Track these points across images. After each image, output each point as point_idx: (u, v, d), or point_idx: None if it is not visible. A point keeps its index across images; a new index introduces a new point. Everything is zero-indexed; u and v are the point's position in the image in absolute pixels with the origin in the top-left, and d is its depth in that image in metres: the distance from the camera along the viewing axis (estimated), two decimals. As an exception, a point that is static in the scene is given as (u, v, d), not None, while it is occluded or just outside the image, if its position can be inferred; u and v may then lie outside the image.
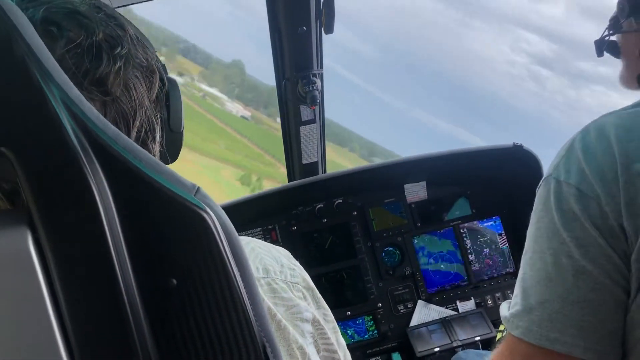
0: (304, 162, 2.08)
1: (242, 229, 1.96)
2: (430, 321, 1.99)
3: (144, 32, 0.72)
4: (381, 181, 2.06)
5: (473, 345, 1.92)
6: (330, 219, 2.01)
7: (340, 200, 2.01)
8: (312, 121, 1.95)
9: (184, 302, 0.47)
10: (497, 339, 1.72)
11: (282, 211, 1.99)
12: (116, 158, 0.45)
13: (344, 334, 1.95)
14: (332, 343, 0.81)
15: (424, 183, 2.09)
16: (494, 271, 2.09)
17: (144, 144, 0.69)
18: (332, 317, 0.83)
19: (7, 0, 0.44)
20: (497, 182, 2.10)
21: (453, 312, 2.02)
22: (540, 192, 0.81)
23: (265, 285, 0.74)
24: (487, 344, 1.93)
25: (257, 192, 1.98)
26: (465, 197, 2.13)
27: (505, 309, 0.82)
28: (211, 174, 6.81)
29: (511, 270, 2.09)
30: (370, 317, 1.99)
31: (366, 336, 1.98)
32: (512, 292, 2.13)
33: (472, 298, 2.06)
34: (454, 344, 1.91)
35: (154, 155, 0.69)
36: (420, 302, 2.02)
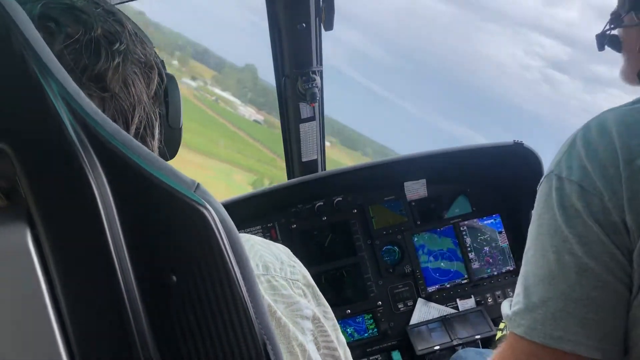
0: (304, 159, 2.08)
1: (241, 226, 1.96)
2: (430, 319, 1.99)
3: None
4: (381, 179, 2.06)
5: (473, 343, 1.92)
6: (330, 217, 2.01)
7: (340, 198, 2.00)
8: (312, 119, 1.95)
9: (184, 298, 0.46)
10: (497, 337, 1.72)
11: (282, 209, 1.99)
12: (115, 154, 0.45)
13: (344, 333, 1.95)
14: (332, 340, 0.81)
15: (424, 181, 2.09)
16: (494, 269, 2.09)
17: (143, 141, 0.69)
18: (332, 315, 0.83)
19: None
20: (497, 180, 2.09)
21: (453, 311, 2.02)
22: (541, 189, 0.81)
23: (265, 282, 0.73)
24: (487, 342, 1.93)
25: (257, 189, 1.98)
26: (465, 194, 2.13)
27: (507, 308, 0.82)
28: (224, 178, 6.83)
29: (511, 269, 2.09)
30: (370, 315, 1.99)
31: (366, 334, 1.98)
32: (512, 290, 2.13)
33: (472, 296, 2.06)
34: (454, 342, 1.91)
35: (152, 151, 0.68)
36: (420, 301, 2.02)
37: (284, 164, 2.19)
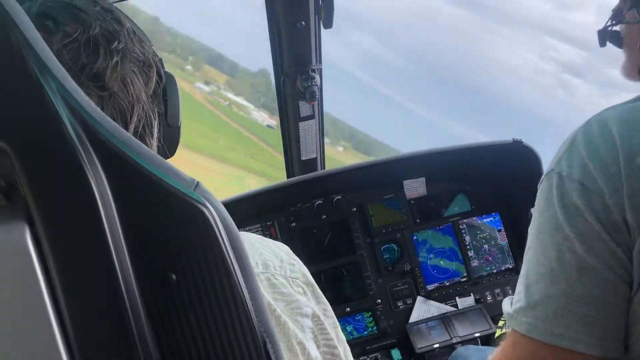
0: (303, 158, 2.07)
1: (241, 225, 1.96)
2: (430, 317, 1.99)
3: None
4: (380, 177, 2.06)
5: (472, 341, 1.92)
6: (329, 216, 2.01)
7: (340, 197, 2.00)
8: (311, 117, 1.94)
9: (184, 297, 0.46)
10: (496, 335, 1.72)
11: (281, 208, 1.99)
12: (114, 152, 0.45)
13: (344, 331, 1.95)
14: (332, 338, 0.81)
15: (423, 179, 2.09)
16: (494, 267, 2.09)
17: (142, 139, 0.68)
18: (332, 313, 0.83)
19: None
20: (496, 178, 2.10)
21: (452, 308, 2.02)
22: (542, 187, 0.81)
23: (264, 280, 0.73)
24: (487, 340, 1.94)
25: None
26: (464, 193, 2.13)
27: (507, 305, 0.82)
28: (236, 183, 6.84)
29: (510, 267, 2.09)
30: (370, 313, 1.99)
31: (365, 332, 1.98)
32: (511, 288, 2.13)
33: (472, 294, 2.06)
34: (454, 340, 1.91)
35: (151, 150, 0.68)
36: (419, 298, 2.02)
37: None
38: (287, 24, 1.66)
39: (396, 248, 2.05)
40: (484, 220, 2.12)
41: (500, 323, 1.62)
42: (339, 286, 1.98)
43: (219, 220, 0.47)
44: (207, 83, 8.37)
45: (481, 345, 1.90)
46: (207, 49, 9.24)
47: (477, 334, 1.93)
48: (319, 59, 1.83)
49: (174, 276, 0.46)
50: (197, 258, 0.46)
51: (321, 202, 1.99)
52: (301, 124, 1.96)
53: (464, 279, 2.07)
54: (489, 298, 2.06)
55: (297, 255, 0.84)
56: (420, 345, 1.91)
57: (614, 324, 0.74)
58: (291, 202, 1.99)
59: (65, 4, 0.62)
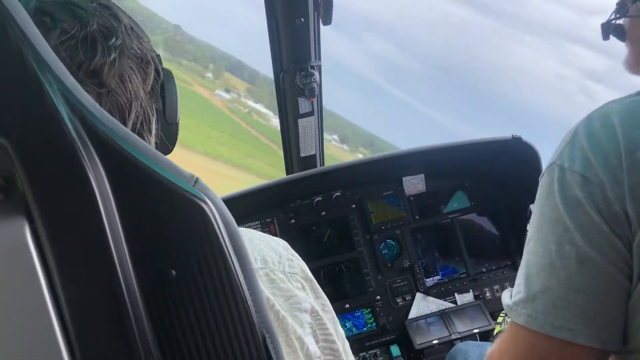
0: (302, 155, 2.07)
1: (240, 222, 1.95)
2: (429, 314, 1.99)
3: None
4: (380, 174, 2.06)
5: (471, 337, 1.93)
6: (328, 212, 2.01)
7: (339, 193, 2.01)
8: (310, 114, 1.94)
9: (183, 293, 0.46)
10: (495, 332, 1.72)
11: (281, 204, 1.99)
12: (114, 148, 0.45)
13: (343, 327, 1.95)
14: (331, 333, 0.81)
15: (422, 176, 2.09)
16: (492, 263, 2.09)
17: (140, 136, 0.68)
18: (331, 308, 0.83)
19: None
20: (495, 175, 2.10)
21: (451, 305, 2.02)
22: (543, 179, 0.81)
23: (263, 276, 0.74)
24: (486, 336, 1.94)
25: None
26: (463, 189, 2.13)
27: (507, 298, 0.82)
28: None
29: (509, 263, 2.10)
30: (369, 309, 1.99)
31: (365, 329, 1.99)
32: (510, 284, 2.13)
33: (471, 290, 2.06)
34: (453, 336, 1.92)
35: None
36: (418, 295, 2.03)
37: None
38: (286, 20, 1.66)
39: (395, 244, 2.05)
40: (483, 216, 2.12)
41: (499, 319, 1.63)
42: (338, 283, 1.98)
43: (219, 216, 0.47)
44: (227, 91, 8.45)
45: (480, 341, 1.91)
46: (227, 56, 9.32)
47: (476, 330, 1.94)
48: (318, 56, 1.83)
49: (173, 272, 0.46)
50: (196, 254, 0.47)
51: (320, 198, 1.99)
52: (300, 121, 1.96)
53: (463, 275, 2.07)
54: (487, 294, 2.07)
55: (297, 251, 0.84)
56: (419, 341, 1.91)
57: (614, 316, 0.74)
58: (290, 198, 1.99)
59: (63, 0, 0.62)
